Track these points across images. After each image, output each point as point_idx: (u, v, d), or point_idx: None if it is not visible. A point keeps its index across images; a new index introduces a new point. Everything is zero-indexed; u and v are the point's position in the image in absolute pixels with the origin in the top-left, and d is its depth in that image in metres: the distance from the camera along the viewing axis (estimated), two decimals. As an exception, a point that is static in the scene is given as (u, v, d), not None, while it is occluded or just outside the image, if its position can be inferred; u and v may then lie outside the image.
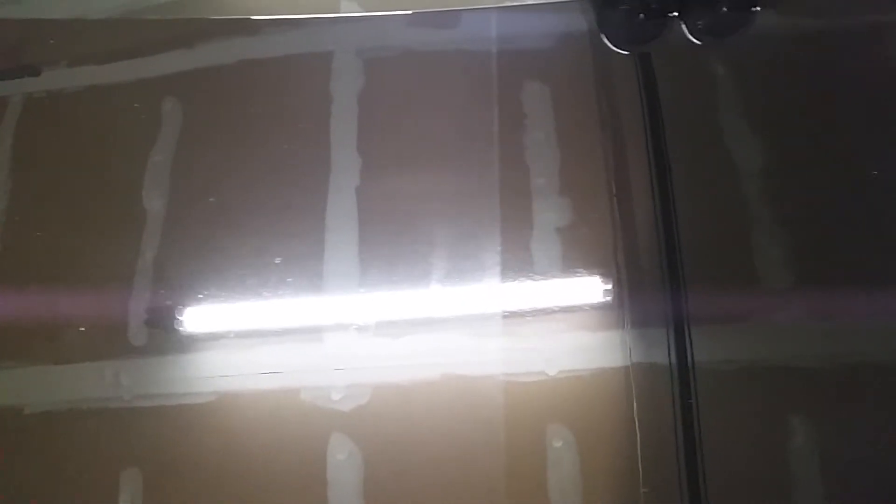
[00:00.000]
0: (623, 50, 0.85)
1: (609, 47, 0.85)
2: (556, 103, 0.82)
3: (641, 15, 0.85)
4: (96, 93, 0.91)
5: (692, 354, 0.65)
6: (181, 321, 0.72)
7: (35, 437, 0.68)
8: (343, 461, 0.66)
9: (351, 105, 0.86)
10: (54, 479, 0.66)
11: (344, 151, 0.83)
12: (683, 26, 0.84)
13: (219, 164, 0.84)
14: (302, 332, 0.72)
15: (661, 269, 0.70)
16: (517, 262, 0.74)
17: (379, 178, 0.80)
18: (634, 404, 0.67)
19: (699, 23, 0.84)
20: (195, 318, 0.73)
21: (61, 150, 0.87)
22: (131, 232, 0.77)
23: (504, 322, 0.72)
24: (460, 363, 0.71)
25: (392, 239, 0.77)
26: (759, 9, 0.84)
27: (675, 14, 0.84)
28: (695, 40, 0.84)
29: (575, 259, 0.74)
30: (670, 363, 0.66)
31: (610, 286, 0.72)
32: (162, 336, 0.71)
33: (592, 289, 0.72)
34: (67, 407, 0.69)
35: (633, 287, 0.71)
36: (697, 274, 0.70)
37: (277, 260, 0.75)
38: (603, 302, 0.72)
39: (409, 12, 0.88)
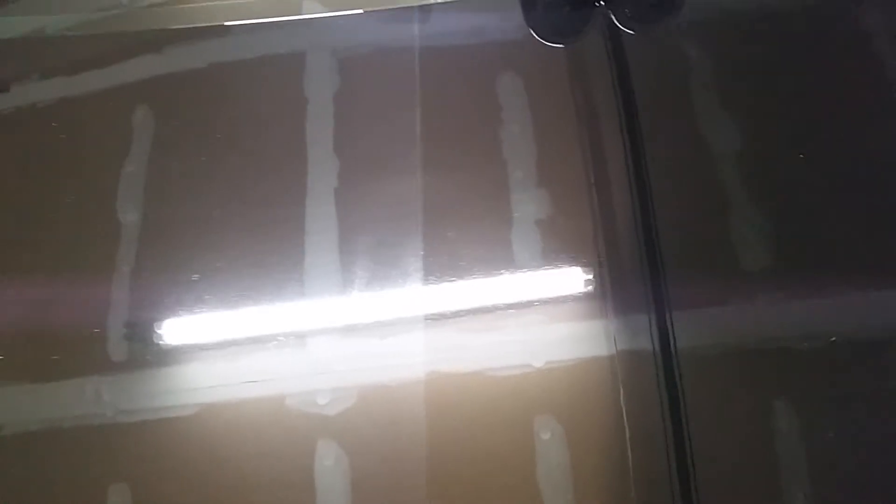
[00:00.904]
0: (553, 43, 0.85)
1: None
2: (531, 95, 0.83)
3: (566, 7, 0.85)
4: (67, 105, 0.90)
5: (674, 340, 0.66)
6: (161, 334, 0.72)
7: (15, 457, 0.68)
8: (330, 467, 0.66)
9: (327, 106, 0.86)
10: (39, 500, 0.66)
11: (321, 153, 0.83)
12: (612, 16, 0.84)
13: (194, 172, 0.84)
14: (285, 337, 0.72)
15: (641, 256, 0.71)
16: (499, 257, 0.75)
17: (358, 179, 0.81)
18: (621, 393, 0.67)
19: (626, 11, 0.84)
20: (175, 329, 0.73)
21: (33, 167, 0.86)
22: (107, 246, 0.77)
23: (489, 316, 0.73)
24: (444, 360, 0.71)
25: (373, 239, 0.77)
26: None
27: (601, 4, 0.84)
28: (625, 30, 0.83)
29: (556, 250, 0.74)
30: (654, 350, 0.66)
31: (591, 276, 0.72)
32: (142, 350, 0.71)
33: (575, 279, 0.73)
34: (49, 426, 0.69)
35: (614, 276, 0.72)
36: (677, 259, 0.71)
37: (259, 265, 0.75)
38: (586, 292, 0.72)
39: (361, 11, 0.88)
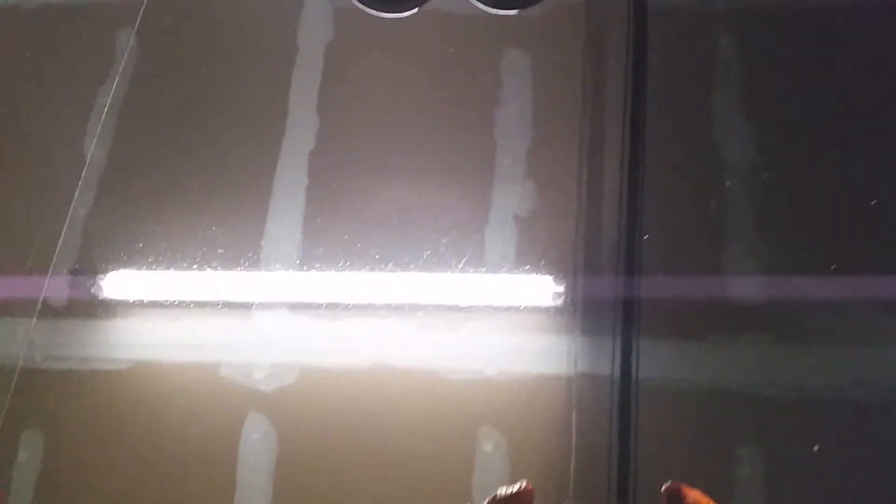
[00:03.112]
0: (381, 12, 0.79)
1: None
2: (537, 76, 0.80)
3: None
4: (50, 14, 0.90)
5: (637, 369, 0.64)
6: (105, 285, 0.74)
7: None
8: (258, 441, 0.68)
9: (316, 59, 0.84)
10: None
11: (303, 111, 0.82)
12: None
13: (171, 111, 0.84)
14: (231, 305, 0.73)
15: (618, 272, 0.68)
16: (468, 252, 0.73)
17: (336, 144, 0.80)
18: (574, 416, 0.66)
19: None
20: (121, 282, 0.75)
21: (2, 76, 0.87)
22: (67, 182, 0.78)
23: (447, 315, 0.72)
24: (395, 354, 0.71)
25: (340, 214, 0.77)
26: None
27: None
28: (479, 4, 0.75)
29: (530, 254, 0.73)
30: (612, 377, 0.65)
31: (563, 288, 0.70)
32: (83, 298, 0.73)
33: (545, 289, 0.71)
34: (-29, 363, 0.71)
35: (588, 290, 0.70)
36: (660, 281, 0.68)
37: (214, 228, 0.76)
38: (554, 304, 0.70)
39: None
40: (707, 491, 0.63)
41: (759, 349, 0.66)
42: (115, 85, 0.84)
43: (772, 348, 0.67)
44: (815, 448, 0.62)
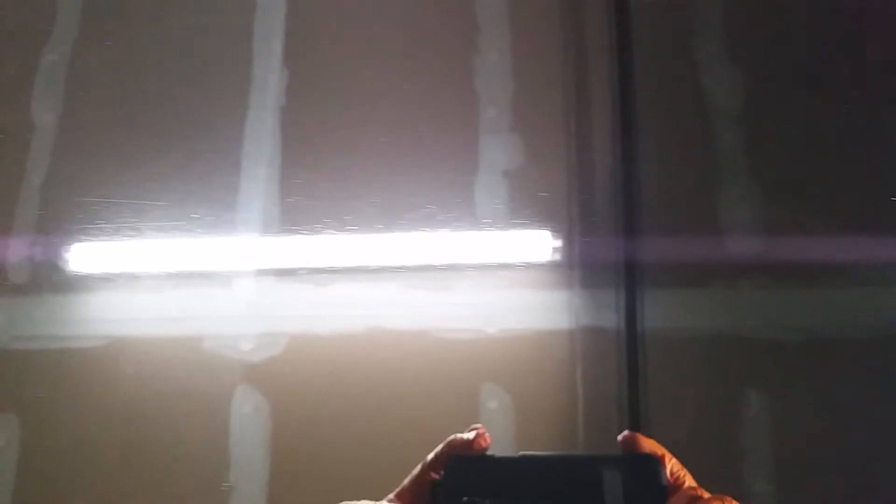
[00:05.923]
0: None
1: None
2: (515, 19, 0.79)
3: None
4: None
5: (643, 320, 0.65)
6: (70, 257, 0.70)
7: None
8: (249, 414, 0.67)
9: (279, 5, 0.82)
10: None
11: (268, 62, 0.80)
12: None
13: (124, 66, 0.80)
14: (210, 275, 0.71)
15: (617, 223, 0.69)
16: (459, 209, 0.73)
17: (309, 97, 0.78)
18: (578, 370, 0.68)
19: None
20: (87, 254, 0.71)
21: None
22: (16, 150, 0.74)
23: (441, 275, 0.72)
24: (387, 316, 0.71)
25: (319, 173, 0.75)
26: None
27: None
28: None
29: (523, 208, 0.73)
30: (618, 328, 0.66)
31: (560, 242, 0.71)
32: (47, 273, 0.69)
33: (541, 243, 0.72)
34: (-69, 348, 0.68)
35: (585, 243, 0.71)
36: (658, 231, 0.70)
37: (187, 191, 0.73)
38: (551, 259, 0.71)
39: None
40: (717, 434, 0.66)
41: (759, 293, 0.69)
42: (60, 40, 0.80)
43: (771, 292, 0.69)
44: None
